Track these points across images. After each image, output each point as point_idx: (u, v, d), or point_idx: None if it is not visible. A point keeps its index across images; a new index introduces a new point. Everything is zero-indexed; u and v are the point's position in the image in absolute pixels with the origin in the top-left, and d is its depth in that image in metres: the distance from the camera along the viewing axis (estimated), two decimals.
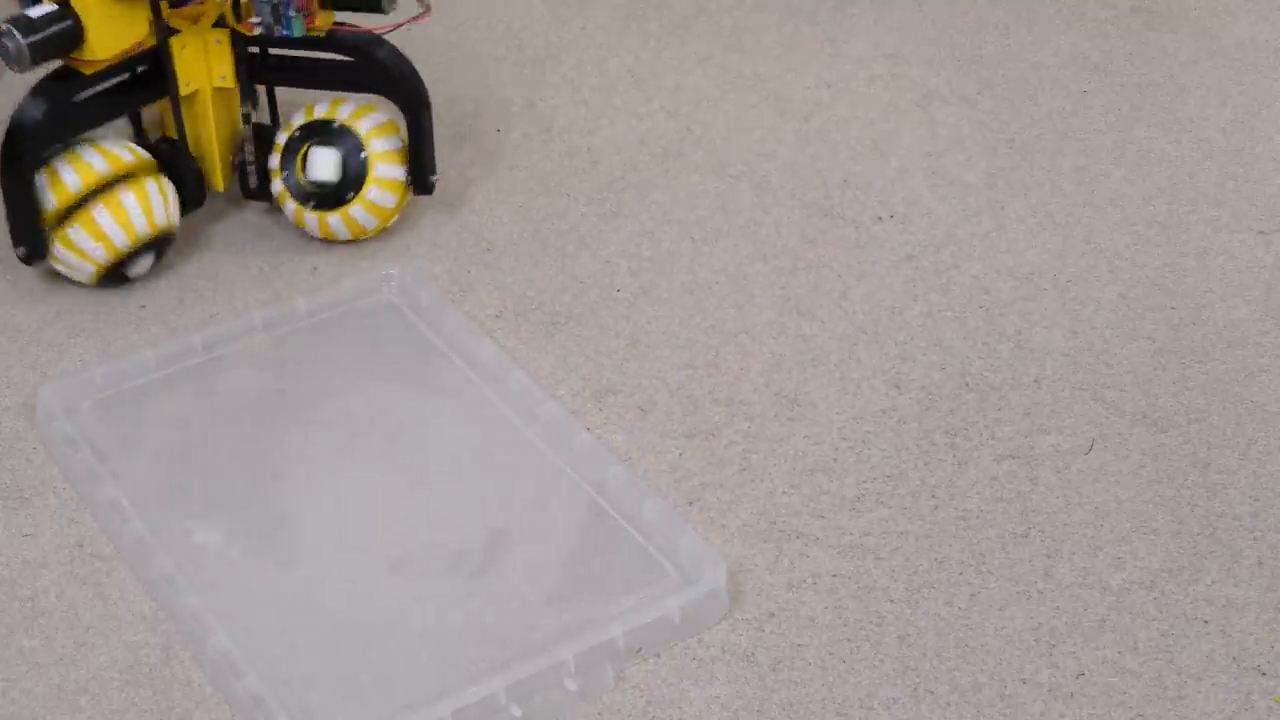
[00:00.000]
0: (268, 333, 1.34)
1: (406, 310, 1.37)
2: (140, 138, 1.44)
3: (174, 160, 1.42)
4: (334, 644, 1.10)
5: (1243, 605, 1.14)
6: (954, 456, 1.25)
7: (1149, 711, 1.07)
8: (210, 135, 1.44)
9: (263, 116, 1.46)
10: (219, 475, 1.23)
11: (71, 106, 1.36)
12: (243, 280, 1.42)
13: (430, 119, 1.43)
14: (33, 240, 1.36)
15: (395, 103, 1.43)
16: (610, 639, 1.09)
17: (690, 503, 1.21)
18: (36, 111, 1.33)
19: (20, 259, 1.37)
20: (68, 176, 1.35)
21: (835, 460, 1.25)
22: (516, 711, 1.06)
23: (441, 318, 1.35)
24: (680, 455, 1.25)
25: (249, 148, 1.45)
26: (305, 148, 1.42)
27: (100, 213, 1.36)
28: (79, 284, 1.41)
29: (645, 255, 1.45)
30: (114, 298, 1.40)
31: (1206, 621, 1.13)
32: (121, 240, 1.37)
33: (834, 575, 1.16)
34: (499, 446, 1.25)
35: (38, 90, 1.35)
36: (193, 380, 1.30)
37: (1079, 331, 1.37)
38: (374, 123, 1.43)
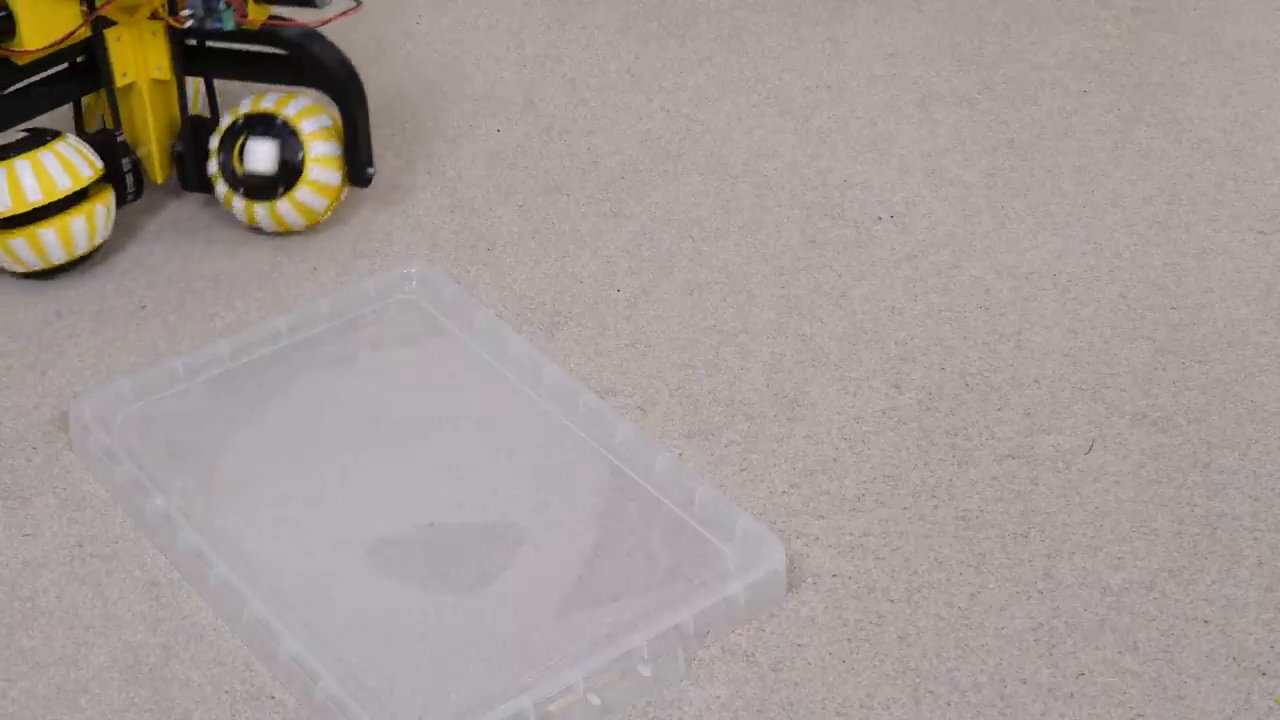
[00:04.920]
0: (293, 336, 1.34)
1: (430, 308, 1.37)
2: (80, 129, 1.45)
3: (111, 152, 1.42)
4: (410, 646, 1.10)
5: (1243, 605, 1.14)
6: (954, 456, 1.25)
7: (1149, 711, 1.07)
8: (148, 127, 1.45)
9: (202, 108, 1.47)
10: (262, 481, 1.22)
11: (4, 98, 1.37)
12: (242, 280, 1.42)
13: (366, 112, 1.44)
14: None
15: (330, 95, 1.43)
16: (680, 623, 1.10)
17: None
18: None
19: None
20: (27, 182, 1.35)
21: (835, 460, 1.25)
22: (595, 700, 1.06)
23: (468, 314, 1.35)
24: (680, 455, 1.25)
25: (186, 140, 1.46)
26: (244, 138, 1.43)
27: (48, 233, 1.37)
28: (75, 284, 1.41)
29: (645, 255, 1.45)
30: (114, 298, 1.40)
31: (1206, 621, 1.13)
32: (59, 256, 1.39)
33: (834, 575, 1.16)
34: (542, 438, 1.26)
35: None
36: (223, 387, 1.30)
37: (1079, 331, 1.37)
38: (318, 125, 1.43)
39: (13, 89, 1.38)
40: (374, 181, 1.53)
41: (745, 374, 1.33)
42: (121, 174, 1.44)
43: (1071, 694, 1.08)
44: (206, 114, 1.48)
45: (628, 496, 1.21)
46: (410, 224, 1.48)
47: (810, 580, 1.16)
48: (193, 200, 1.51)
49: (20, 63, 1.36)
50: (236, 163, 1.43)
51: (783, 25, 1.76)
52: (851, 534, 1.19)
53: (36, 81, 1.39)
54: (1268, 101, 1.64)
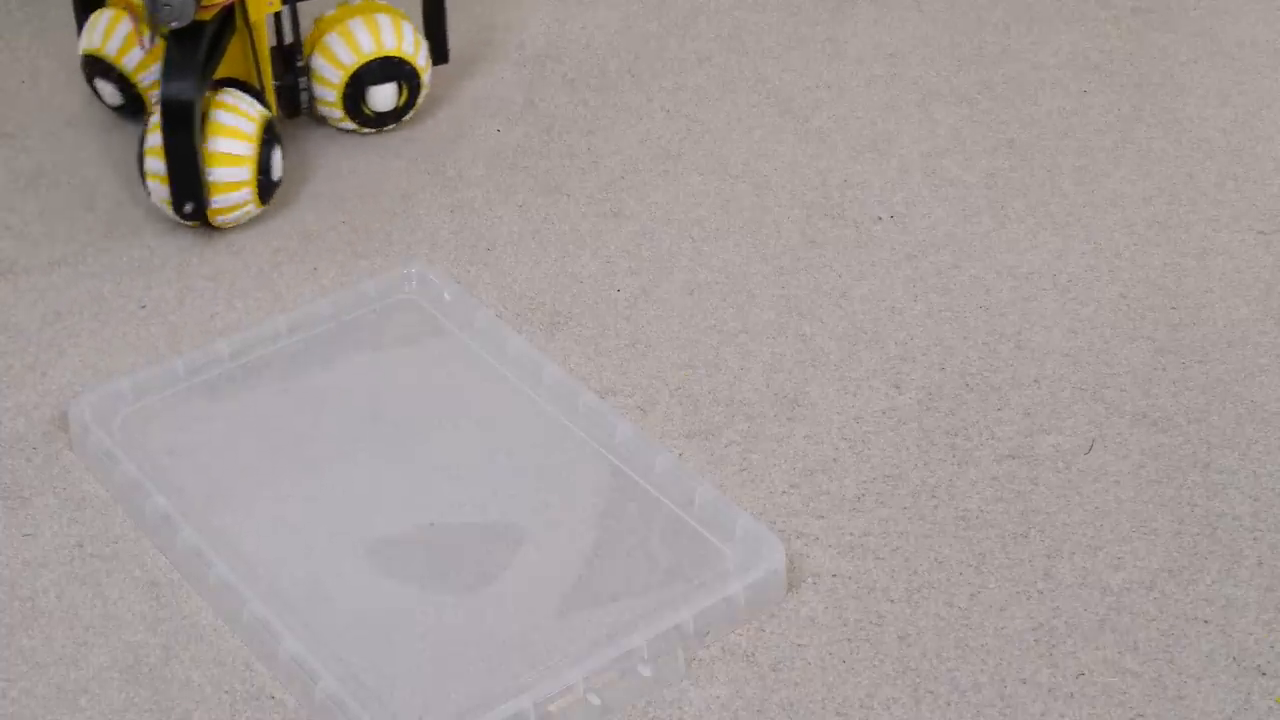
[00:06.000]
0: (293, 337, 1.34)
1: (430, 308, 1.37)
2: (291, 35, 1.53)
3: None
4: (410, 646, 1.10)
5: (1243, 605, 1.14)
6: (954, 456, 1.25)
7: (1149, 711, 1.07)
8: (266, 64, 1.50)
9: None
10: (262, 481, 1.22)
11: (205, 60, 1.42)
12: (242, 279, 1.42)
13: None
14: (199, 196, 1.42)
15: None
16: (680, 623, 1.10)
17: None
18: (189, 79, 1.38)
19: (187, 215, 1.43)
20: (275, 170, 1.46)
21: (835, 460, 1.25)
22: (595, 700, 1.06)
23: (468, 314, 1.35)
24: (680, 455, 1.25)
25: (297, 71, 1.54)
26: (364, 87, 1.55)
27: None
28: (75, 284, 1.41)
29: (645, 255, 1.45)
30: (114, 298, 1.40)
31: (1206, 621, 1.13)
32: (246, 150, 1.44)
33: (834, 575, 1.16)
34: (543, 438, 1.26)
35: (179, 55, 1.39)
36: (223, 388, 1.30)
37: (1079, 331, 1.37)
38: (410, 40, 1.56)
39: (204, 48, 1.41)
40: (374, 181, 1.53)
41: (745, 374, 1.33)
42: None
43: (1071, 694, 1.08)
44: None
45: (628, 496, 1.21)
46: (410, 224, 1.48)
47: (810, 580, 1.16)
48: None
49: (208, 18, 1.40)
50: (365, 107, 1.55)
51: (783, 25, 1.76)
52: (851, 534, 1.19)
53: (211, 37, 1.43)
54: (1268, 101, 1.64)
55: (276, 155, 1.46)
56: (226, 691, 1.09)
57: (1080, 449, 1.26)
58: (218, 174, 1.42)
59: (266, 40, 1.51)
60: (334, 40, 1.53)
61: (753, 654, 1.11)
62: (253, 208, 1.45)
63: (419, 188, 1.53)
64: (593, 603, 1.13)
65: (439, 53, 1.59)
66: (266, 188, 1.46)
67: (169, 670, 1.10)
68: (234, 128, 1.42)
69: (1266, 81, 1.67)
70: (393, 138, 1.59)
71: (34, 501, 1.22)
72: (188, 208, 1.42)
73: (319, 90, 1.55)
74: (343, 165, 1.55)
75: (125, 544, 1.19)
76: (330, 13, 1.55)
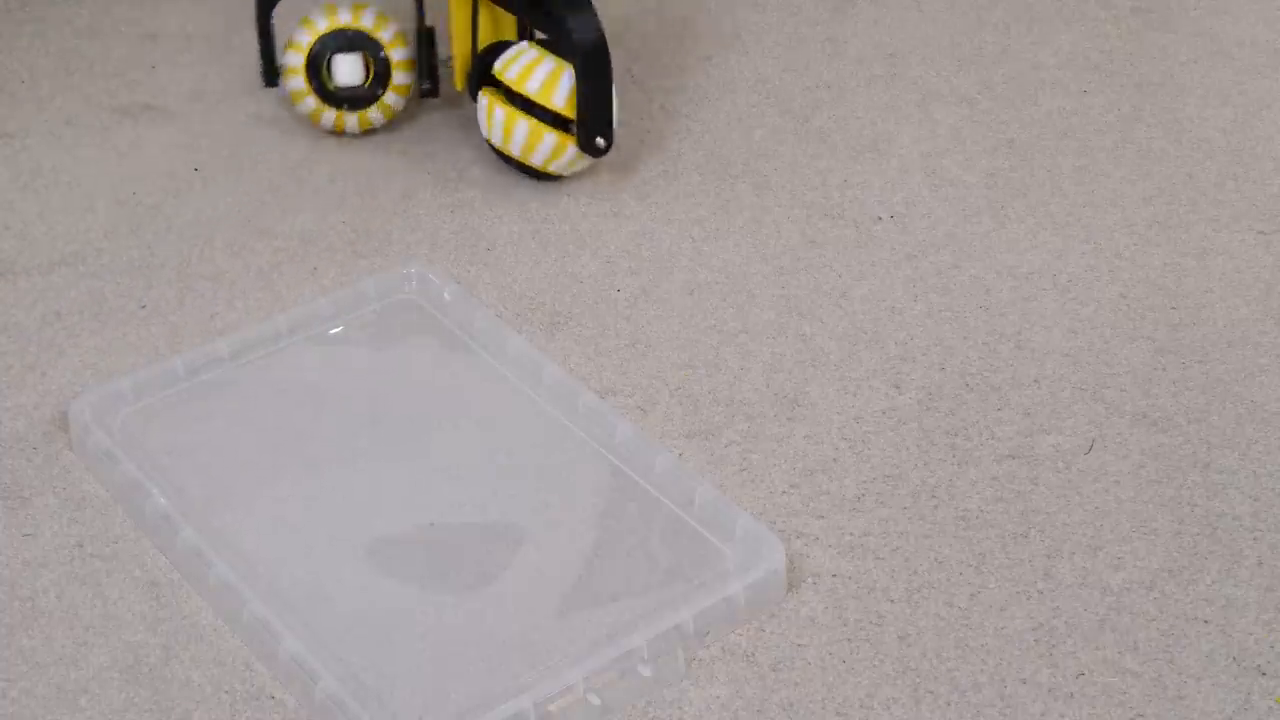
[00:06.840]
0: (293, 336, 1.34)
1: (430, 308, 1.37)
2: (420, 19, 1.55)
3: (422, 45, 1.55)
4: (410, 646, 1.10)
5: (1243, 605, 1.14)
6: (954, 456, 1.25)
7: (1149, 711, 1.07)
8: (454, 36, 1.54)
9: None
10: (262, 481, 1.22)
11: None
12: (243, 280, 1.42)
13: (601, 82, 1.45)
14: (267, 65, 1.54)
15: (562, 50, 1.48)
16: (680, 623, 1.10)
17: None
18: None
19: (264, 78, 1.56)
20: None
21: (835, 460, 1.25)
22: (595, 700, 1.06)
23: (467, 315, 1.35)
24: (680, 455, 1.25)
25: (428, 53, 1.57)
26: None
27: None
28: (75, 284, 1.41)
29: (645, 255, 1.45)
30: (114, 298, 1.40)
31: (1206, 621, 1.13)
32: (323, 23, 1.53)
33: (834, 575, 1.16)
34: (543, 438, 1.26)
35: None
36: (223, 387, 1.30)
37: (1079, 331, 1.37)
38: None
39: None
40: (374, 181, 1.53)
41: (745, 374, 1.33)
42: (423, 64, 1.56)
43: (1071, 694, 1.08)
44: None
45: (628, 496, 1.21)
46: (410, 224, 1.48)
47: (810, 580, 1.16)
48: (196, 196, 1.51)
49: None
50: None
51: (783, 25, 1.76)
52: (851, 534, 1.19)
53: None
54: (1268, 101, 1.64)
55: (340, 62, 1.52)
56: (226, 691, 1.09)
57: (1080, 449, 1.26)
58: (286, 56, 1.53)
59: (456, 11, 1.53)
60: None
61: (753, 654, 1.11)
62: (312, 101, 1.54)
63: (419, 188, 1.53)
64: (593, 603, 1.13)
65: (583, 144, 1.47)
66: (325, 93, 1.53)
67: (169, 670, 1.10)
68: (309, 20, 1.53)
69: (1266, 81, 1.67)
70: (393, 138, 1.59)
71: (34, 501, 1.22)
72: (263, 70, 1.55)
73: None
74: (343, 165, 1.55)
75: (125, 544, 1.19)
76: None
